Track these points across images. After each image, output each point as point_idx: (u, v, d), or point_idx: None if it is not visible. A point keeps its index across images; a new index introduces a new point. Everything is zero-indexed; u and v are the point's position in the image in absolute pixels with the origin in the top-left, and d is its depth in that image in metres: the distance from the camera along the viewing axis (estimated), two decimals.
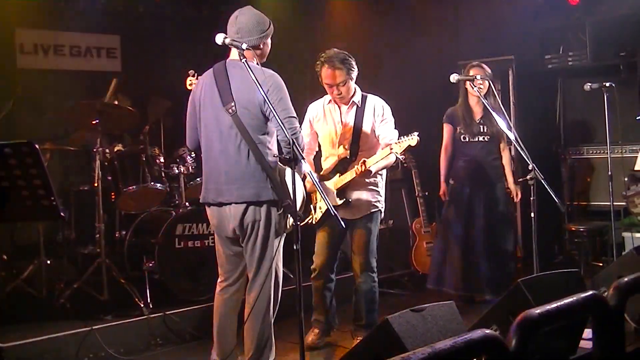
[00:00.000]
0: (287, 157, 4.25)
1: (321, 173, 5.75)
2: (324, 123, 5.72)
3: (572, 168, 8.43)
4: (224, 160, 4.59)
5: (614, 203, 6.77)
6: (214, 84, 4.61)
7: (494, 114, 5.80)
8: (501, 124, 5.74)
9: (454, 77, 5.73)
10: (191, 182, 6.94)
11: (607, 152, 6.84)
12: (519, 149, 5.50)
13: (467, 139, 6.94)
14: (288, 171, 4.55)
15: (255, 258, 4.65)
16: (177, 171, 6.83)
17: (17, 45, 7.50)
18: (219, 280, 4.94)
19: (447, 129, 7.07)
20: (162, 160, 6.90)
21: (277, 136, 4.59)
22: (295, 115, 4.52)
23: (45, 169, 2.92)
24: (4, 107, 6.29)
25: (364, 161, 5.37)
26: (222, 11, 8.14)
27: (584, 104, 8.19)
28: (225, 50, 4.62)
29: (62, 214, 3.17)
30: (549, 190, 5.19)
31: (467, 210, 6.96)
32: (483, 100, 6.26)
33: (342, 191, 5.56)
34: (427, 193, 8.26)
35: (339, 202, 5.51)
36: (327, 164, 5.74)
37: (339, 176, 5.57)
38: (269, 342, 4.70)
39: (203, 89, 4.69)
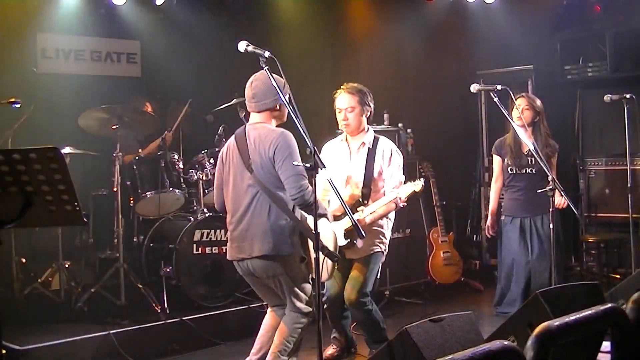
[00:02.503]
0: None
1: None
2: (335, 162, 5.60)
3: (591, 179, 8.39)
4: (246, 219, 4.73)
5: (633, 215, 6.73)
6: (235, 146, 4.81)
7: (519, 132, 5.78)
8: (527, 142, 5.74)
9: (474, 87, 5.73)
10: (210, 189, 6.92)
11: (627, 164, 6.80)
12: (538, 160, 5.52)
13: (514, 171, 6.87)
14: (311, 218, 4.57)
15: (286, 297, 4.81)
16: (195, 177, 6.84)
17: (39, 50, 7.55)
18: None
19: (496, 160, 7.01)
20: (181, 165, 6.94)
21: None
22: (300, 173, 4.52)
23: (69, 174, 2.95)
24: (25, 112, 6.32)
25: (361, 209, 5.33)
26: (241, 17, 8.21)
27: (603, 115, 8.15)
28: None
29: (84, 219, 3.20)
30: (569, 202, 5.18)
31: (523, 241, 6.89)
32: (514, 125, 6.18)
33: (350, 232, 5.30)
34: (444, 202, 8.26)
35: (344, 242, 5.30)
36: (335, 203, 5.48)
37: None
38: None
39: (227, 152, 4.90)
